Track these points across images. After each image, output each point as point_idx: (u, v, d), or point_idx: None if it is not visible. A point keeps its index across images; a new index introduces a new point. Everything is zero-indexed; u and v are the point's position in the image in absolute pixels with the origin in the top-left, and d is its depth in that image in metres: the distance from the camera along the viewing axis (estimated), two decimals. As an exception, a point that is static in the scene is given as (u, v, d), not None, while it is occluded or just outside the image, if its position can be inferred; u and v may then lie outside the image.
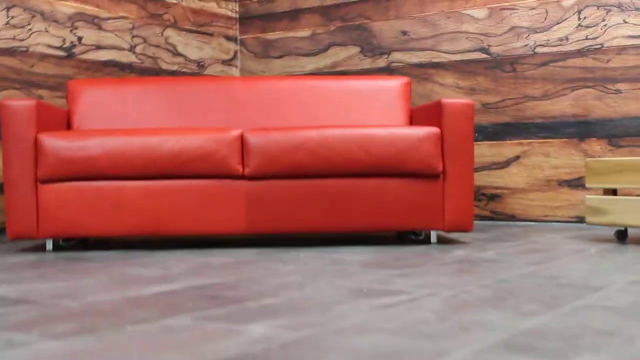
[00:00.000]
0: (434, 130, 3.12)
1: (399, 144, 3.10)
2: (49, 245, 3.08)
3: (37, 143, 3.01)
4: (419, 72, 4.60)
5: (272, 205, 3.08)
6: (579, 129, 4.12)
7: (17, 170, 3.00)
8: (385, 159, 3.09)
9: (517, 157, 4.28)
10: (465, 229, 3.14)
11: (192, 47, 5.04)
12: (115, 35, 4.55)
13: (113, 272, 2.35)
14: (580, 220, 4.13)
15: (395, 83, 3.76)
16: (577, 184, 4.12)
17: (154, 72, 4.77)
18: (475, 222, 4.36)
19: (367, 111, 3.68)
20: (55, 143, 3.00)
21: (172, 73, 4.89)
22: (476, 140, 4.39)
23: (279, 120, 3.63)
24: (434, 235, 3.21)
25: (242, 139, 3.09)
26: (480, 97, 4.40)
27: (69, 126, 3.54)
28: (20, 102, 3.01)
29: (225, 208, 3.07)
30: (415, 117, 3.63)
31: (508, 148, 4.31)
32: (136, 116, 3.58)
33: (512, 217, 4.32)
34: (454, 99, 3.16)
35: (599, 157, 4.06)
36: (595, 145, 4.07)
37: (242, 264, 2.57)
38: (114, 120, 3.56)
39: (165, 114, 3.60)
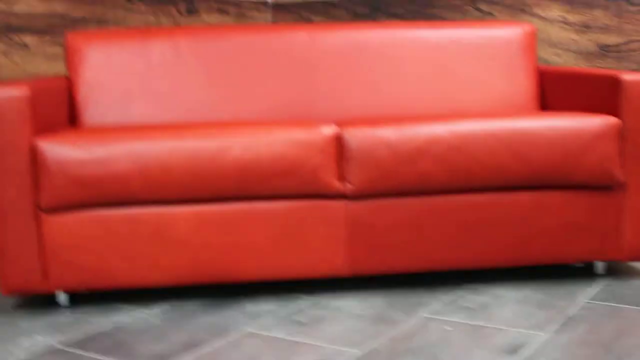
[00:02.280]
0: (612, 121, 2.15)
1: (565, 143, 2.13)
2: (62, 299, 2.13)
3: (36, 154, 2.00)
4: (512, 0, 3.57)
5: (382, 235, 2.12)
6: None
7: (7, 194, 2.00)
8: (544, 165, 2.13)
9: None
10: (647, 257, 2.23)
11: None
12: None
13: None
14: None
15: (515, 32, 2.73)
16: None
17: None
18: None
19: (480, 77, 2.67)
20: (62, 153, 1.99)
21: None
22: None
23: (364, 91, 2.61)
24: (601, 266, 2.30)
25: (338, 141, 2.10)
26: (597, 36, 3.40)
27: (71, 104, 2.50)
28: (5, 93, 1.98)
29: (317, 241, 2.11)
30: (548, 86, 2.64)
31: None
32: (165, 87, 2.54)
33: None
34: (636, 75, 2.17)
35: None
36: None
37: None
38: (134, 95, 2.52)
39: (204, 82, 2.56)
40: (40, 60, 3.12)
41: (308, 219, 2.09)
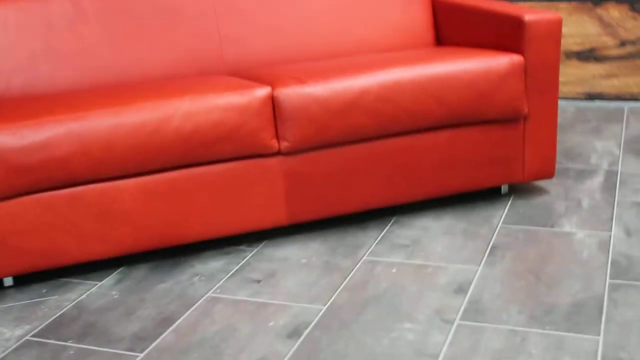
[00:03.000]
0: (518, 60, 2.34)
1: (480, 84, 2.30)
2: (7, 280, 2.12)
3: (-31, 145, 1.93)
4: None
5: (318, 183, 2.24)
6: (590, -11, 3.43)
7: (-56, 189, 1.94)
8: (462, 106, 2.30)
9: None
10: (548, 176, 2.48)
11: None
12: None
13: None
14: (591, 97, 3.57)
15: (408, -38, 2.82)
16: (588, 55, 3.50)
17: None
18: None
19: (377, 10, 2.76)
20: (0, 143, 1.94)
21: None
22: None
23: (269, 34, 2.64)
24: (505, 188, 2.54)
25: (272, 101, 2.16)
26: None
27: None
28: None
29: (257, 196, 2.20)
30: (442, 17, 2.77)
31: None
32: (69, 47, 2.46)
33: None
34: (537, 14, 2.35)
35: (617, 24, 3.42)
36: (613, 11, 3.42)
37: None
38: (38, 58, 2.43)
39: (108, 38, 2.50)
40: None
41: (248, 177, 2.17)
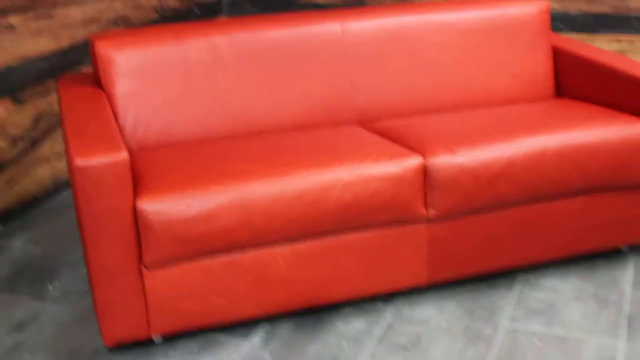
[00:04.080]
0: (658, 125, 2.36)
1: (620, 153, 2.32)
2: (158, 339, 2.16)
3: (139, 216, 1.96)
4: None
5: (458, 247, 2.28)
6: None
7: (111, 258, 1.97)
8: (602, 174, 2.33)
9: (609, 54, 3.55)
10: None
11: None
12: None
13: None
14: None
15: (531, 10, 2.82)
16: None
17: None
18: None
19: (503, 61, 2.76)
20: (167, 213, 1.96)
21: None
22: (558, 30, 3.58)
23: (398, 82, 2.65)
24: (626, 248, 2.58)
25: (424, 171, 2.18)
26: None
27: (115, 121, 2.39)
28: (104, 160, 1.90)
29: (401, 260, 2.24)
30: (561, 62, 2.78)
31: (601, 44, 3.56)
32: (205, 92, 2.47)
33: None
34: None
35: None
36: None
37: None
38: (175, 103, 2.45)
39: (243, 84, 2.52)
40: (25, 40, 2.90)
41: (394, 242, 2.21)
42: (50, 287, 2.46)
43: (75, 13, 3.12)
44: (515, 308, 2.28)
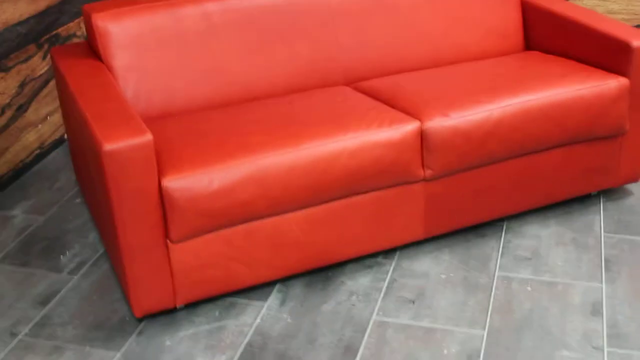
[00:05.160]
0: (625, 83, 2.54)
1: (594, 108, 2.51)
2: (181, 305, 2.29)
3: (164, 194, 2.06)
4: None
5: (452, 202, 2.46)
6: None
7: (139, 235, 2.08)
8: (578, 128, 2.52)
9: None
10: (636, 179, 2.75)
11: None
12: None
13: None
14: None
15: (501, -36, 2.95)
16: (633, 33, 3.71)
17: None
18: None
19: (476, 16, 2.90)
20: (190, 190, 2.07)
21: None
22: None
23: (383, 43, 2.77)
24: (597, 192, 2.80)
25: (421, 135, 2.33)
26: None
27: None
28: (130, 142, 1.98)
29: (400, 217, 2.40)
30: (529, 16, 2.93)
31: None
32: (202, 61, 2.55)
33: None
34: (645, 40, 2.54)
35: (662, 4, 3.63)
36: (660, -9, 3.62)
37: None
38: (174, 73, 2.51)
39: (238, 51, 2.60)
40: (5, 6, 2.89)
41: (395, 202, 2.37)
42: (62, 258, 2.55)
43: (49, -26, 3.10)
44: (503, 256, 2.49)
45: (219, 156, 2.14)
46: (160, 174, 2.07)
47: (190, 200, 2.07)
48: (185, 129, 2.32)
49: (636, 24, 3.71)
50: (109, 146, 1.96)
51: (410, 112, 2.38)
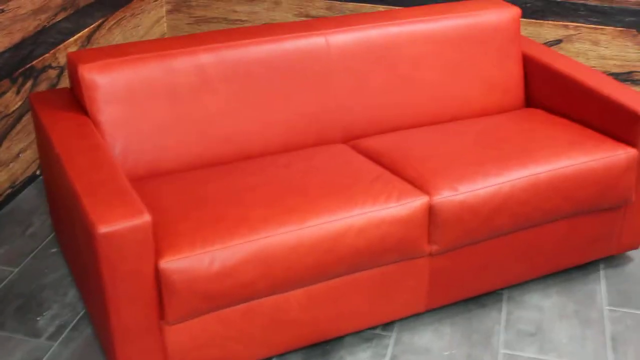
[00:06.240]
0: (634, 154, 2.47)
1: (604, 180, 2.43)
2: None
3: (161, 276, 1.91)
4: None
5: (455, 275, 2.36)
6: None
7: (133, 317, 1.93)
8: (586, 201, 2.44)
9: (559, 41, 3.65)
10: (637, 246, 2.69)
11: None
12: None
13: None
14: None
15: (504, 16, 2.84)
16: (626, 78, 3.66)
17: None
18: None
19: (477, 70, 2.79)
20: (190, 271, 1.92)
21: None
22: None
23: (382, 102, 2.65)
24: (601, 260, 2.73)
25: (429, 211, 2.22)
26: None
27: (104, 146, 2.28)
28: (127, 224, 1.83)
29: (404, 291, 2.29)
30: (531, 71, 2.84)
31: (549, 29, 3.63)
32: (194, 116, 2.39)
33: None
34: (654, 109, 2.46)
35: (655, 52, 3.58)
36: (653, 39, 3.57)
37: None
38: (165, 129, 2.36)
39: (230, 105, 2.45)
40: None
41: (398, 277, 2.26)
42: (40, 320, 2.38)
43: (26, 4, 2.91)
44: (507, 330, 2.40)
45: (219, 234, 1.99)
46: (157, 254, 1.92)
47: (189, 282, 1.93)
48: (180, 196, 2.17)
49: (628, 70, 3.65)
50: (104, 228, 1.81)
51: (418, 184, 2.27)
